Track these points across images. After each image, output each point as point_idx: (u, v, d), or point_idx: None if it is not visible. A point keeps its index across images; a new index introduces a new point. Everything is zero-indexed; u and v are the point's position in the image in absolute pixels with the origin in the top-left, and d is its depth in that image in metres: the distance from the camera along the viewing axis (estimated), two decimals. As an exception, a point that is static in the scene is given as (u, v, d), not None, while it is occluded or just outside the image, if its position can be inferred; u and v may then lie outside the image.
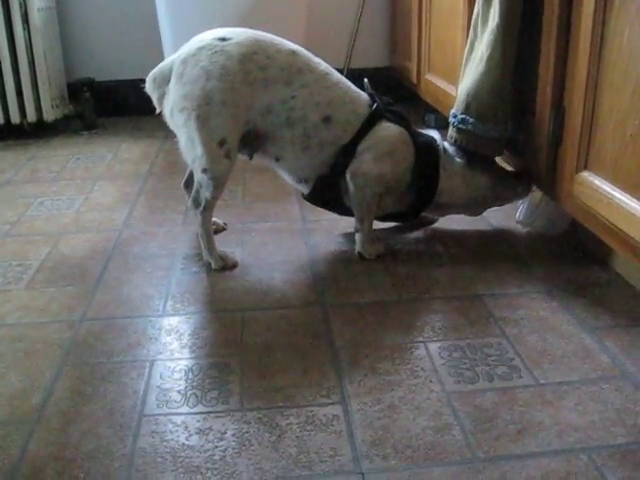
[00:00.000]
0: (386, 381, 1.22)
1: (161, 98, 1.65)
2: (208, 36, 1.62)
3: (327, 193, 1.71)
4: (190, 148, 1.61)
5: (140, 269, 1.69)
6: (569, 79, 1.47)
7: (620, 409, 1.13)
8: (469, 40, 1.74)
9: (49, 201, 2.17)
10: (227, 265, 1.67)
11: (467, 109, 1.69)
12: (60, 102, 2.96)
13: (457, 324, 1.40)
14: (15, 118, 2.83)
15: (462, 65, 1.79)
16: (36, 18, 2.75)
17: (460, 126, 1.71)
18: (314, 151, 1.64)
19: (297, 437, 1.09)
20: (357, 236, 1.71)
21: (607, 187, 1.35)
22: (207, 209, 1.65)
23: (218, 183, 1.62)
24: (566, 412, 1.13)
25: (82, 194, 2.22)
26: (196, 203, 1.68)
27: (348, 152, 1.64)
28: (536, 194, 1.76)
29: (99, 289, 1.59)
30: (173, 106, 1.60)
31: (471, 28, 1.74)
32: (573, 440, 1.07)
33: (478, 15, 1.69)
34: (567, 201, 1.51)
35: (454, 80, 2.23)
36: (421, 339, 1.35)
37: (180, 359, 1.31)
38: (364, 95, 1.71)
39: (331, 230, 1.87)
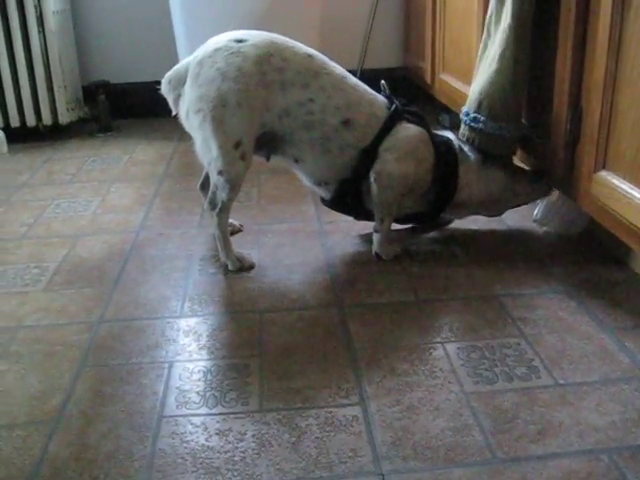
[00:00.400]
0: (405, 382, 1.22)
1: (177, 100, 1.66)
2: (224, 38, 1.62)
3: (349, 197, 1.71)
4: (206, 150, 1.61)
5: (157, 271, 1.70)
6: (586, 77, 1.46)
7: (641, 410, 1.13)
8: (482, 39, 1.74)
9: (65, 203, 2.18)
10: (244, 266, 1.68)
11: (479, 107, 1.69)
12: (75, 105, 2.98)
13: (475, 325, 1.39)
14: (31, 121, 2.85)
15: (476, 64, 1.78)
16: (51, 21, 2.76)
17: (472, 124, 1.71)
18: (334, 154, 1.64)
19: (317, 438, 1.09)
20: (375, 237, 1.71)
21: (626, 186, 1.34)
22: (223, 211, 1.66)
23: (234, 185, 1.62)
24: (586, 412, 1.13)
25: (98, 196, 2.23)
26: (212, 205, 1.68)
27: (370, 154, 1.64)
28: (554, 194, 1.76)
29: (117, 291, 1.60)
30: (189, 108, 1.61)
31: (485, 28, 1.73)
32: (594, 441, 1.07)
33: (492, 15, 1.68)
34: (585, 200, 1.50)
35: (469, 80, 2.22)
36: (439, 340, 1.35)
37: (199, 360, 1.32)
38: (381, 97, 1.71)
39: (347, 231, 1.86)
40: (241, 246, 1.78)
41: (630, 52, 1.31)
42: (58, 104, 2.86)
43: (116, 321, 1.47)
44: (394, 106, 1.68)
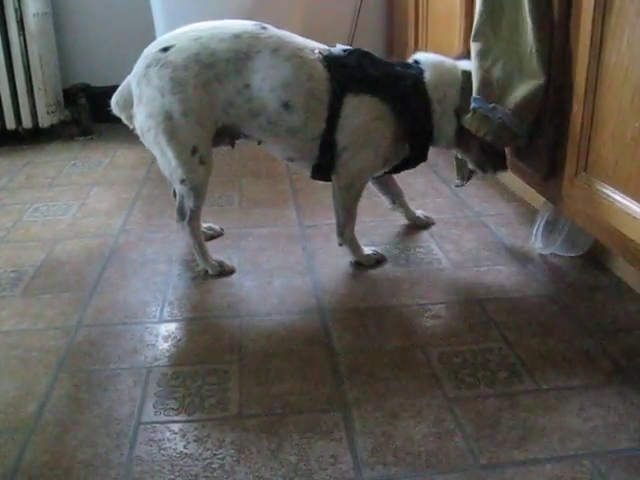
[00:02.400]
0: (386, 387, 1.21)
1: (130, 118, 1.65)
2: (152, 49, 1.59)
3: (327, 173, 1.67)
4: (165, 163, 1.60)
5: (137, 275, 1.67)
6: (568, 81, 1.46)
7: (623, 414, 1.12)
8: (483, 40, 1.63)
9: (45, 207, 2.15)
10: (224, 270, 1.66)
11: (500, 99, 1.56)
12: (56, 108, 2.94)
13: (457, 329, 1.39)
14: (10, 124, 2.81)
15: (477, 59, 1.63)
16: (32, 24, 2.74)
17: (488, 114, 1.57)
18: (287, 137, 1.60)
19: (297, 445, 1.08)
20: (343, 242, 1.70)
21: (607, 190, 1.34)
22: (193, 219, 1.64)
23: (198, 191, 1.61)
24: (569, 417, 1.12)
25: (78, 200, 2.20)
26: (181, 215, 1.66)
27: (328, 146, 1.59)
28: (552, 216, 1.72)
29: (95, 295, 1.58)
30: (141, 127, 1.60)
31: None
32: (576, 446, 1.06)
33: (493, 15, 1.62)
34: (567, 204, 1.50)
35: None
36: (421, 345, 1.34)
37: (178, 366, 1.30)
38: (320, 65, 1.57)
39: (329, 236, 1.85)
40: (222, 250, 1.76)
41: (612, 58, 1.31)
42: (38, 107, 2.82)
43: (94, 326, 1.45)
44: (334, 81, 1.55)
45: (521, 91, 1.56)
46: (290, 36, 1.61)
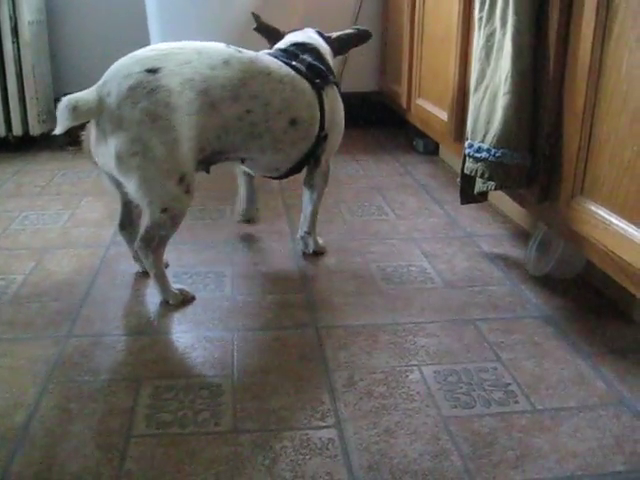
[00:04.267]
0: (381, 405, 1.20)
1: (74, 126, 1.52)
2: (133, 68, 1.48)
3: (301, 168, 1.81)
4: (147, 190, 1.49)
5: (127, 286, 1.66)
6: (566, 105, 1.47)
7: (618, 436, 1.12)
8: (478, 68, 1.69)
9: (34, 215, 2.13)
10: (186, 298, 1.60)
11: (484, 137, 1.63)
12: (47, 116, 2.93)
13: (452, 348, 1.38)
14: (1, 131, 2.79)
15: (471, 93, 1.73)
16: (26, 31, 2.73)
17: (476, 155, 1.65)
18: (287, 150, 1.69)
19: (292, 461, 1.06)
20: (308, 238, 1.84)
21: (603, 213, 1.35)
22: (161, 246, 1.56)
23: (178, 220, 1.54)
24: (565, 438, 1.11)
25: (68, 209, 2.18)
26: (148, 242, 1.55)
27: (320, 141, 1.75)
28: (545, 238, 1.72)
29: (85, 305, 1.56)
30: (121, 152, 1.47)
31: (477, 56, 1.69)
32: (573, 467, 1.05)
33: (488, 43, 1.64)
34: (562, 226, 1.51)
35: (445, 105, 2.24)
36: (416, 363, 1.33)
37: (170, 378, 1.28)
38: (297, 74, 1.68)
39: (323, 252, 1.85)
40: (214, 265, 1.76)
41: (610, 82, 1.32)
42: (30, 115, 2.81)
43: (84, 336, 1.43)
44: (317, 82, 1.71)
45: (498, 120, 1.59)
46: (263, 55, 1.68)
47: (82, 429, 1.14)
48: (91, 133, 1.55)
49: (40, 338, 1.43)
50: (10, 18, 2.69)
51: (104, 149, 1.51)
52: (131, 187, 1.52)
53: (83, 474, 1.04)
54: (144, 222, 1.56)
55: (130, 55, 1.55)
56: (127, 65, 1.50)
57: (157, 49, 1.55)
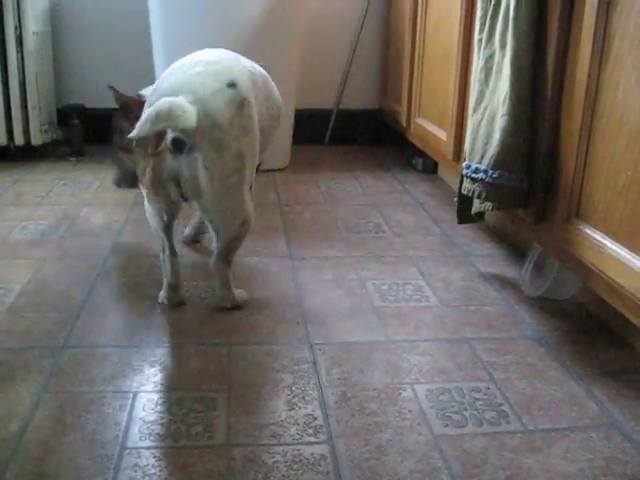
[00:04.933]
0: (374, 422, 1.21)
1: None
2: (214, 85, 1.46)
3: None
4: (235, 205, 1.51)
5: (125, 298, 1.67)
6: (563, 126, 1.49)
7: (609, 457, 1.13)
8: (477, 89, 1.71)
9: (33, 225, 2.14)
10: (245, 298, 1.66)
11: (481, 158, 1.65)
12: (49, 127, 2.94)
13: (445, 367, 1.39)
14: (2, 140, 2.80)
15: (470, 114, 1.75)
16: (30, 42, 2.75)
17: (473, 176, 1.66)
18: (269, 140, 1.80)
19: (283, 476, 1.07)
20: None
21: (597, 236, 1.36)
22: (234, 257, 1.63)
23: (250, 229, 1.59)
24: (555, 459, 1.12)
25: (67, 219, 2.19)
26: (226, 257, 1.59)
27: None
28: (540, 259, 1.73)
29: (82, 316, 1.57)
30: (221, 173, 1.45)
31: (477, 77, 1.71)
32: (562, 489, 1.06)
33: (487, 64, 1.66)
34: (557, 248, 1.52)
35: (445, 125, 2.25)
36: (408, 381, 1.34)
37: (164, 391, 1.29)
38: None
39: (319, 268, 1.86)
40: (211, 278, 1.76)
41: (606, 106, 1.34)
42: (31, 125, 2.82)
43: (80, 347, 1.44)
44: None
45: (495, 141, 1.61)
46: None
47: (76, 440, 1.15)
48: (165, 155, 1.45)
49: (36, 348, 1.43)
50: (15, 28, 2.70)
51: (186, 166, 1.45)
52: (215, 205, 1.49)
53: (76, 485, 1.05)
54: (216, 240, 1.57)
55: (184, 70, 1.51)
56: (206, 81, 1.46)
57: (204, 61, 1.53)
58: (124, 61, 3.10)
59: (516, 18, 1.54)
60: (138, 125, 1.36)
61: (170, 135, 1.42)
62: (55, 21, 3.07)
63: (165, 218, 1.57)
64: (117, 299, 1.66)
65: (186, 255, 1.92)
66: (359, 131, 3.29)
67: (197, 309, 1.61)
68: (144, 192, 1.55)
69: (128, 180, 1.94)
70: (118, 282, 1.75)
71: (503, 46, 1.60)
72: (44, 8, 2.93)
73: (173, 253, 1.62)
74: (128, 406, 1.24)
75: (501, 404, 1.27)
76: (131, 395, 1.28)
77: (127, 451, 1.12)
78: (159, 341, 1.47)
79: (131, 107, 1.77)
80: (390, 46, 3.11)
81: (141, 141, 1.44)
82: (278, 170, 2.82)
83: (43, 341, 1.46)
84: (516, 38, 1.55)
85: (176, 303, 1.63)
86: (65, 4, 3.09)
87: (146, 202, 1.57)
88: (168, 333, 1.51)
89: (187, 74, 1.49)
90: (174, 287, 1.63)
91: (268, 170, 2.80)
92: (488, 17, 1.67)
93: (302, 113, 2.99)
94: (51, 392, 1.28)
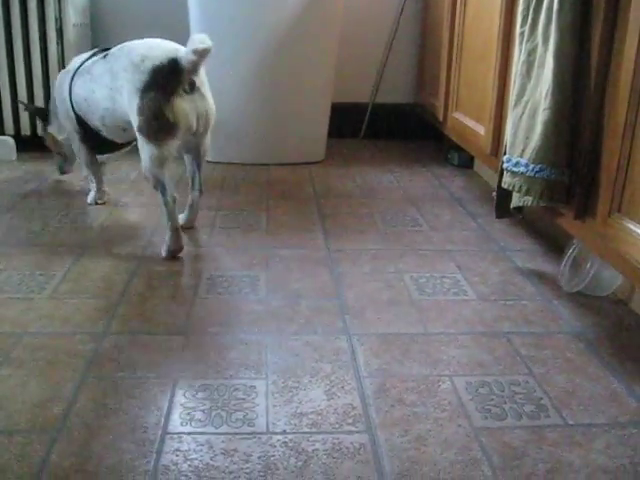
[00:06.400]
0: (413, 413, 1.21)
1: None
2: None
3: None
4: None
5: (164, 286, 1.69)
6: (607, 122, 1.47)
7: (650, 455, 1.12)
8: (519, 83, 1.69)
9: (74, 213, 2.17)
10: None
11: (522, 152, 1.65)
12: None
13: (483, 360, 1.39)
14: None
15: (511, 108, 1.74)
16: (70, 34, 2.78)
17: (514, 169, 1.66)
18: None
19: (323, 464, 1.08)
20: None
21: (640, 231, 1.35)
22: None
23: None
24: (595, 455, 1.11)
25: (107, 208, 2.22)
26: None
27: None
28: (579, 254, 1.72)
29: (122, 303, 1.59)
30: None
31: (518, 71, 1.70)
32: (604, 484, 1.06)
33: (529, 58, 1.65)
34: (598, 243, 1.50)
35: (483, 119, 2.24)
36: (447, 373, 1.34)
37: (204, 378, 1.30)
38: None
39: (356, 260, 1.86)
40: (250, 268, 1.78)
41: (653, 100, 1.32)
42: (70, 116, 2.85)
43: (121, 334, 1.46)
44: None
45: (537, 135, 1.59)
46: None
47: (118, 423, 1.17)
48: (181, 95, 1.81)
49: (78, 333, 1.46)
50: (56, 20, 2.74)
51: (200, 101, 1.86)
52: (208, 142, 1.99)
53: (119, 467, 1.06)
54: (198, 174, 2.03)
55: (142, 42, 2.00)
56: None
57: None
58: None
59: (560, 11, 1.53)
60: (198, 52, 1.77)
61: (187, 77, 1.81)
62: (94, 13, 3.10)
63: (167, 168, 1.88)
64: (156, 287, 1.68)
65: (225, 247, 1.94)
66: (394, 125, 3.29)
67: (235, 299, 1.63)
68: (156, 150, 1.81)
69: (64, 166, 2.49)
70: (157, 270, 1.77)
71: (546, 39, 1.59)
72: (84, 0, 2.96)
73: (174, 200, 1.87)
74: (169, 392, 1.26)
75: (540, 398, 1.26)
76: (171, 381, 1.29)
77: (169, 436, 1.14)
78: (198, 329, 1.49)
79: (40, 112, 2.47)
80: (427, 39, 3.09)
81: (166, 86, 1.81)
82: (313, 163, 2.83)
83: (84, 327, 1.48)
84: (560, 31, 1.53)
85: (180, 247, 1.87)
86: (105, -4, 3.13)
87: (155, 160, 1.83)
88: (206, 321, 1.52)
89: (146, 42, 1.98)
90: (179, 231, 1.88)
91: (303, 163, 2.81)
92: (531, 10, 1.66)
93: (338, 107, 2.99)
94: (93, 377, 1.30)
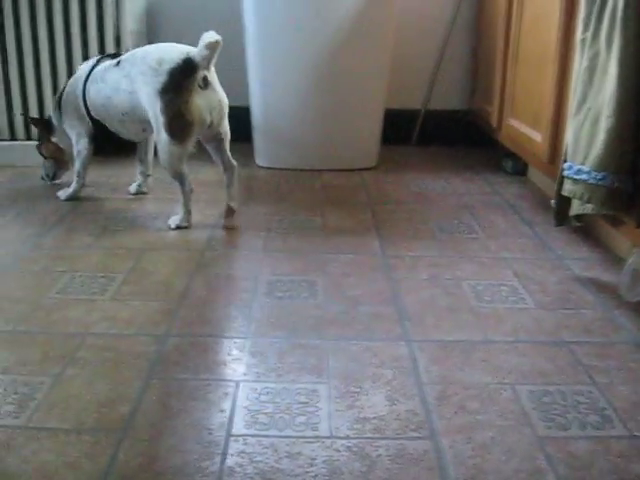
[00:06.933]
0: (476, 420, 1.20)
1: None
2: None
3: None
4: None
5: (223, 290, 1.71)
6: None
7: None
8: (580, 90, 1.68)
9: (132, 216, 2.21)
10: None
11: (585, 159, 1.63)
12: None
13: (545, 369, 1.38)
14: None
15: (572, 115, 1.72)
16: (127, 41, 2.83)
17: (575, 177, 1.65)
18: None
19: (388, 469, 1.08)
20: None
21: None
22: None
23: None
24: (664, 468, 1.10)
25: (164, 212, 2.26)
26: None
27: None
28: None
29: (183, 306, 1.61)
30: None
31: (580, 77, 1.68)
32: (674, 497, 1.04)
33: (592, 64, 1.63)
34: (663, 253, 1.48)
35: (540, 126, 2.22)
36: (509, 381, 1.33)
37: (266, 382, 1.32)
38: None
39: (413, 266, 1.86)
40: (306, 274, 1.79)
41: None
42: (127, 121, 2.90)
43: (183, 336, 1.48)
44: None
45: (600, 142, 1.57)
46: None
47: (183, 425, 1.19)
48: (197, 92, 1.99)
49: (141, 335, 1.48)
50: (114, 27, 2.80)
51: (213, 95, 2.05)
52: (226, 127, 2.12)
53: (185, 468, 1.08)
54: (226, 151, 2.15)
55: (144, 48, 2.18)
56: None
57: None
58: (216, 61, 3.16)
59: (625, 17, 1.51)
60: (211, 46, 1.98)
61: (201, 74, 2.00)
62: (149, 21, 3.16)
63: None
64: (216, 290, 1.70)
65: (282, 252, 1.95)
66: (447, 132, 3.27)
67: (294, 303, 1.64)
68: (176, 147, 2.02)
69: (57, 173, 2.57)
70: (215, 274, 1.80)
71: (609, 46, 1.57)
72: (141, 8, 3.02)
73: (192, 190, 2.12)
74: (232, 394, 1.27)
75: (604, 408, 1.25)
76: (234, 384, 1.31)
77: (233, 438, 1.15)
78: (258, 333, 1.50)
79: (40, 122, 2.57)
80: (481, 45, 3.08)
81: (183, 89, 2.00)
82: (366, 169, 2.83)
83: (147, 329, 1.51)
84: (624, 37, 1.52)
85: (187, 226, 2.11)
86: (161, 4, 3.18)
87: (176, 155, 2.04)
88: (266, 325, 1.53)
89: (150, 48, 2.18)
90: (190, 214, 2.13)
91: (356, 169, 2.82)
92: (593, 16, 1.64)
93: (390, 113, 2.98)
94: (157, 378, 1.33)
